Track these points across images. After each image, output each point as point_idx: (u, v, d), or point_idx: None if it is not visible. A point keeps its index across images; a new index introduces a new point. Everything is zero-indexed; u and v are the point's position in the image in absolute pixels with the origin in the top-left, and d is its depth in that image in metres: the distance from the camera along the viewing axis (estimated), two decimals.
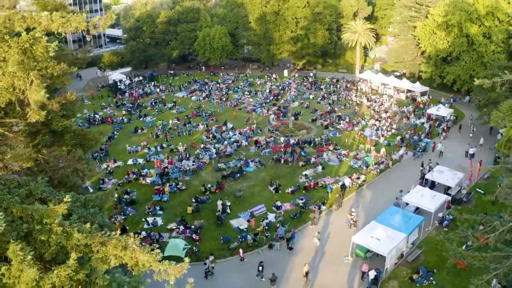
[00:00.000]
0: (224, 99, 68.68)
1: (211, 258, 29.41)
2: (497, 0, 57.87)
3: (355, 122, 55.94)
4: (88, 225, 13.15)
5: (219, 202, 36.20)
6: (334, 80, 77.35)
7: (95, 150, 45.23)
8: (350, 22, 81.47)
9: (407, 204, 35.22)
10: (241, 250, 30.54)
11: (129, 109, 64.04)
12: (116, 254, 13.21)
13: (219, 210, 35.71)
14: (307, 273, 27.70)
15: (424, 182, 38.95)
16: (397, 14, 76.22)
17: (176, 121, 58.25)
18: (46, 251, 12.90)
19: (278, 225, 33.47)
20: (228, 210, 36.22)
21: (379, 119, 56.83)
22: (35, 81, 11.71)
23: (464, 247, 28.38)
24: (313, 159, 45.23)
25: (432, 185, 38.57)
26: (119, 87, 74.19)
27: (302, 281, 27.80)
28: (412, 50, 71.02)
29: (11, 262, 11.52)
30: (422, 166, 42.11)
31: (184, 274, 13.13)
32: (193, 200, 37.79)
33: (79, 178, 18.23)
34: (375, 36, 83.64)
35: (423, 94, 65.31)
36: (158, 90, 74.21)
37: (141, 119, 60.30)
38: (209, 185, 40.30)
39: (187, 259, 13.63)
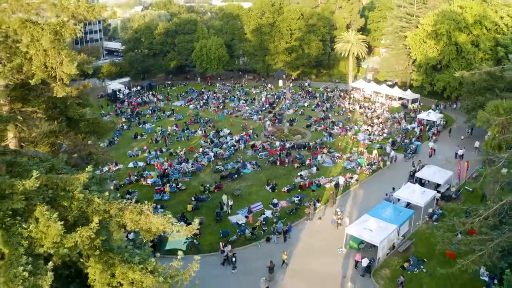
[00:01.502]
0: (221, 107, 70.36)
1: (229, 247, 31.14)
2: (485, 9, 60.31)
3: (348, 128, 57.71)
4: (106, 193, 14.64)
5: (224, 197, 38.03)
6: (328, 89, 79.33)
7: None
8: (343, 32, 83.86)
9: (398, 200, 36.77)
10: (221, 243, 31.74)
11: (129, 116, 65.56)
12: (132, 218, 14.72)
13: (224, 204, 37.50)
14: (284, 261, 29.75)
15: (415, 180, 40.53)
16: (389, 25, 78.60)
17: (175, 128, 59.80)
18: (69, 215, 14.32)
19: (275, 220, 34.97)
20: (229, 210, 37.61)
21: (372, 124, 58.64)
22: (65, 59, 13.32)
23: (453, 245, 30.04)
24: (307, 161, 46.83)
25: (422, 185, 40.15)
26: (118, 96, 75.77)
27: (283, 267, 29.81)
28: (403, 59, 73.32)
29: (38, 221, 12.98)
30: (413, 166, 43.85)
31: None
32: (193, 199, 39.20)
33: (94, 163, 19.63)
34: (367, 47, 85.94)
35: (414, 101, 67.35)
36: (156, 99, 75.83)
37: (141, 126, 61.83)
38: (208, 185, 41.75)
39: (196, 220, 15.24)
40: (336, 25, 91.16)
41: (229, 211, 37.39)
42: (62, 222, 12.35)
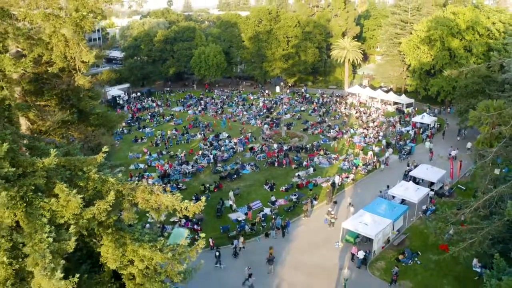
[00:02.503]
0: (219, 112, 71.64)
1: (242, 239, 32.54)
2: (477, 15, 61.96)
3: (344, 131, 59.00)
4: (120, 174, 15.74)
5: (231, 193, 39.67)
6: (324, 95, 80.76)
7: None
8: (339, 40, 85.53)
9: (393, 197, 37.92)
10: (210, 239, 32.54)
11: (129, 121, 66.65)
12: (143, 197, 15.82)
13: (230, 199, 39.10)
14: (271, 255, 30.63)
15: (409, 178, 41.70)
16: (384, 32, 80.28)
17: (174, 132, 60.94)
18: (84, 194, 15.38)
19: (273, 216, 36.07)
20: (234, 206, 39.00)
21: (367, 128, 59.95)
22: (84, 49, 14.51)
23: (445, 236, 31.23)
24: (305, 162, 48.00)
25: (417, 184, 41.28)
26: (118, 102, 76.93)
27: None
28: (398, 65, 74.91)
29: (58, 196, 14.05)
30: (408, 165, 45.12)
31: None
32: (193, 198, 40.18)
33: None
34: (363, 54, 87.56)
35: (408, 106, 68.81)
36: (155, 105, 77.02)
37: (141, 130, 62.92)
38: (208, 185, 42.83)
39: (203, 198, 16.48)
40: (332, 33, 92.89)
41: (235, 206, 38.84)
42: (82, 195, 13.45)
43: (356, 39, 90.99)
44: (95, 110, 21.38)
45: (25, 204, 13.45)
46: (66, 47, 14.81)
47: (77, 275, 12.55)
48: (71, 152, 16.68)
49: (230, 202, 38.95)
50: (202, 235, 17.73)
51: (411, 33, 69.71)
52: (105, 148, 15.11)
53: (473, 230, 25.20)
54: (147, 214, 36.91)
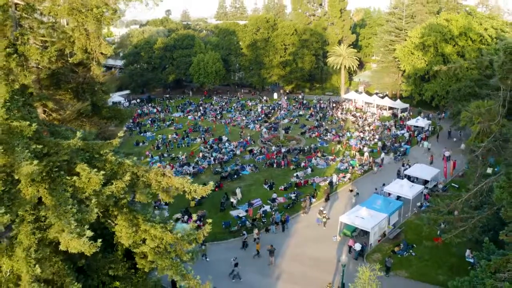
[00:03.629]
0: (218, 117, 73.05)
1: (256, 230, 33.98)
2: (470, 22, 63.83)
3: (341, 134, 60.42)
4: (135, 157, 17.03)
5: (238, 190, 41.42)
6: (321, 101, 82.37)
7: None
8: (335, 47, 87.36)
9: (389, 194, 39.20)
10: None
11: (129, 126, 67.91)
12: (156, 179, 17.13)
13: (236, 195, 40.87)
14: (258, 251, 32.10)
15: (402, 177, 42.99)
16: (379, 39, 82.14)
17: (175, 136, 62.22)
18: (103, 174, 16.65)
19: (273, 213, 37.32)
20: (237, 200, 40.77)
21: (363, 131, 61.43)
22: (103, 42, 15.89)
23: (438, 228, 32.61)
24: (302, 163, 49.32)
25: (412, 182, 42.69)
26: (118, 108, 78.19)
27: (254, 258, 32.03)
28: (393, 72, 76.66)
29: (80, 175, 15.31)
30: (403, 165, 46.51)
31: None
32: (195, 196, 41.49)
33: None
34: (358, 62, 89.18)
35: (403, 110, 70.42)
36: (155, 110, 78.36)
37: (141, 134, 64.19)
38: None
39: (211, 183, 17.79)
40: (328, 41, 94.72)
41: (235, 202, 40.43)
42: (103, 172, 14.74)
43: (352, 47, 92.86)
44: (107, 103, 22.78)
45: (49, 180, 14.72)
46: (87, 40, 16.19)
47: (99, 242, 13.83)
48: (88, 139, 17.95)
49: (234, 200, 40.29)
50: (209, 220, 18.99)
51: (405, 40, 71.50)
52: (120, 133, 16.41)
53: (464, 219, 26.51)
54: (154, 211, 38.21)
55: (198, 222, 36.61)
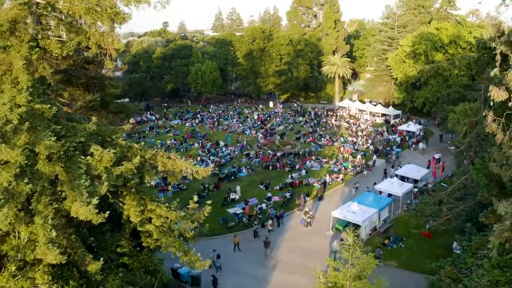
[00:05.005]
0: (216, 124, 74.89)
1: (270, 222, 36.18)
2: (459, 30, 66.15)
3: (334, 139, 62.29)
4: (143, 142, 18.74)
5: (238, 188, 43.72)
6: (316, 109, 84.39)
7: None
8: (329, 56, 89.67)
9: (380, 192, 40.90)
10: None
11: (128, 132, 69.40)
12: (162, 161, 18.86)
13: (236, 192, 43.16)
14: (237, 244, 33.83)
15: (393, 176, 44.70)
16: (372, 49, 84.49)
17: (173, 141, 63.87)
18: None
19: (269, 210, 38.98)
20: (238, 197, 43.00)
21: (356, 136, 63.34)
22: (115, 39, 17.74)
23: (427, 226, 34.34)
24: (297, 166, 51.05)
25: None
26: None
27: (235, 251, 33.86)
28: (386, 80, 78.88)
29: (93, 155, 16.97)
30: (393, 167, 48.35)
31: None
32: (194, 195, 43.09)
33: None
34: (353, 72, 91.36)
35: (395, 117, 72.47)
36: (154, 118, 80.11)
37: (140, 139, 65.77)
38: (207, 185, 45.68)
39: (212, 164, 19.49)
40: (323, 51, 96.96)
41: (237, 197, 42.85)
42: (114, 151, 16.42)
43: (346, 57, 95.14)
44: (114, 99, 24.56)
45: (66, 159, 16.39)
46: (101, 36, 18.04)
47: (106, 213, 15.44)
48: (99, 126, 19.68)
49: (235, 195, 42.60)
50: (209, 201, 20.77)
51: (397, 49, 73.79)
52: (132, 120, 18.13)
53: (449, 209, 28.30)
54: None
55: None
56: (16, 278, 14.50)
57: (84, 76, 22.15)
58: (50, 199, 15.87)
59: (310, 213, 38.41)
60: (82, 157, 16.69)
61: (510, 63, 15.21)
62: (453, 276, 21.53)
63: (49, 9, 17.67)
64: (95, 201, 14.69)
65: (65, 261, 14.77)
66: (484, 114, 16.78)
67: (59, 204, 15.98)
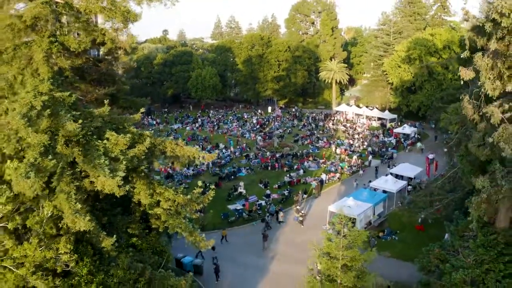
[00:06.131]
0: (216, 128, 76.58)
1: (281, 214, 38.14)
2: (453, 36, 68.12)
3: (332, 142, 63.98)
4: (152, 131, 20.36)
5: (241, 183, 46.25)
6: (314, 114, 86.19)
7: None
8: (327, 62, 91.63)
9: (375, 189, 42.44)
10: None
11: None
12: (171, 147, 20.47)
13: (240, 187, 45.63)
14: (225, 236, 35.47)
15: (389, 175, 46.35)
16: (368, 55, 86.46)
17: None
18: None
19: (268, 206, 40.54)
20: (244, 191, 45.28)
21: (353, 139, 65.04)
22: (129, 34, 19.46)
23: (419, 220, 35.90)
24: (295, 166, 52.66)
25: None
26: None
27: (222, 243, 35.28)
28: (382, 85, 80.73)
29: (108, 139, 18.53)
30: (389, 167, 49.94)
31: None
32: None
33: None
34: (350, 78, 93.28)
35: (391, 121, 74.25)
36: (155, 123, 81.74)
37: None
38: (208, 183, 47.11)
39: (216, 151, 21.11)
40: (320, 58, 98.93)
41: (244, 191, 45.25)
42: (129, 135, 18.01)
43: (343, 63, 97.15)
44: (124, 95, 26.20)
45: (84, 142, 17.97)
46: (115, 32, 19.77)
47: (127, 186, 17.00)
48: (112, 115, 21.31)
49: (242, 189, 45.16)
50: (212, 186, 22.41)
51: (393, 54, 75.71)
52: (142, 109, 19.76)
53: (439, 200, 29.84)
54: None
55: (199, 213, 39.76)
56: (40, 248, 15.94)
57: (96, 73, 23.76)
58: (72, 177, 17.39)
59: (302, 211, 39.83)
60: (99, 141, 18.26)
61: (478, 46, 16.96)
62: (441, 257, 23.14)
63: (67, 8, 19.34)
64: (121, 173, 16.19)
65: (92, 227, 16.19)
66: (460, 97, 18.47)
67: (80, 182, 17.49)
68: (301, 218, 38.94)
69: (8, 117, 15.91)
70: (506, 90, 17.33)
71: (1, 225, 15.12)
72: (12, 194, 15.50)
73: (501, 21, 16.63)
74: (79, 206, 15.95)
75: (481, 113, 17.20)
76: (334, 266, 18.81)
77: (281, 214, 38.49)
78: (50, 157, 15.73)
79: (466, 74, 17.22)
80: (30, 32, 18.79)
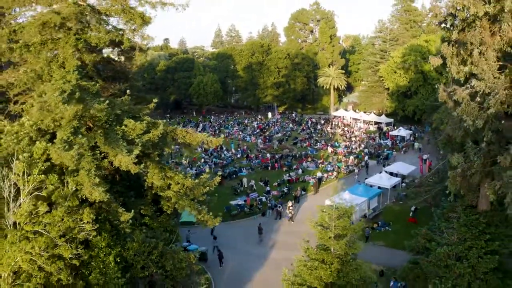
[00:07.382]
0: (217, 132, 78.74)
1: (290, 203, 40.55)
2: None
3: (329, 144, 66.15)
4: (165, 121, 22.55)
5: (245, 180, 48.96)
6: (312, 119, 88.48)
7: None
8: (325, 68, 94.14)
9: (371, 186, 44.51)
10: None
11: None
12: (181, 134, 22.61)
13: (245, 182, 48.65)
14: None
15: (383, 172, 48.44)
16: (365, 61, 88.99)
17: (177, 146, 67.47)
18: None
19: (268, 202, 42.66)
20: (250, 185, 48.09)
21: (350, 142, 67.27)
22: (145, 34, 21.79)
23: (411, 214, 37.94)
24: (294, 166, 54.81)
25: None
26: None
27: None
28: (379, 91, 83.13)
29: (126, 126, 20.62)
30: (384, 166, 52.08)
31: None
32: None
33: None
34: (347, 85, 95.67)
35: (388, 124, 76.51)
36: None
37: None
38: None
39: (223, 135, 23.31)
40: (319, 65, 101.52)
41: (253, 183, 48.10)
42: (145, 122, 20.16)
43: (341, 70, 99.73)
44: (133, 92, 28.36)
45: (107, 126, 20.11)
46: (132, 32, 22.06)
47: (142, 165, 19.09)
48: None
49: (251, 182, 48.53)
50: (219, 173, 24.58)
51: (389, 60, 78.19)
52: (155, 100, 22.00)
53: (427, 190, 32.03)
54: None
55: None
56: (67, 216, 17.96)
57: (111, 70, 25.99)
58: (92, 158, 19.49)
59: (291, 207, 41.00)
60: (118, 127, 20.40)
61: (446, 38, 19.37)
62: (428, 237, 25.25)
63: (89, 9, 21.61)
64: (136, 151, 18.26)
65: (107, 199, 18.20)
66: (437, 86, 20.83)
67: (100, 162, 19.59)
68: (290, 215, 40.60)
69: (45, 97, 17.95)
70: (472, 72, 19.97)
71: (36, 193, 17.10)
72: (43, 166, 17.55)
73: (457, 15, 19.51)
74: (97, 180, 17.92)
75: (454, 98, 19.47)
76: (327, 235, 20.89)
77: (289, 204, 40.69)
78: (80, 136, 17.85)
79: (434, 61, 20.06)
80: (57, 29, 21.00)
